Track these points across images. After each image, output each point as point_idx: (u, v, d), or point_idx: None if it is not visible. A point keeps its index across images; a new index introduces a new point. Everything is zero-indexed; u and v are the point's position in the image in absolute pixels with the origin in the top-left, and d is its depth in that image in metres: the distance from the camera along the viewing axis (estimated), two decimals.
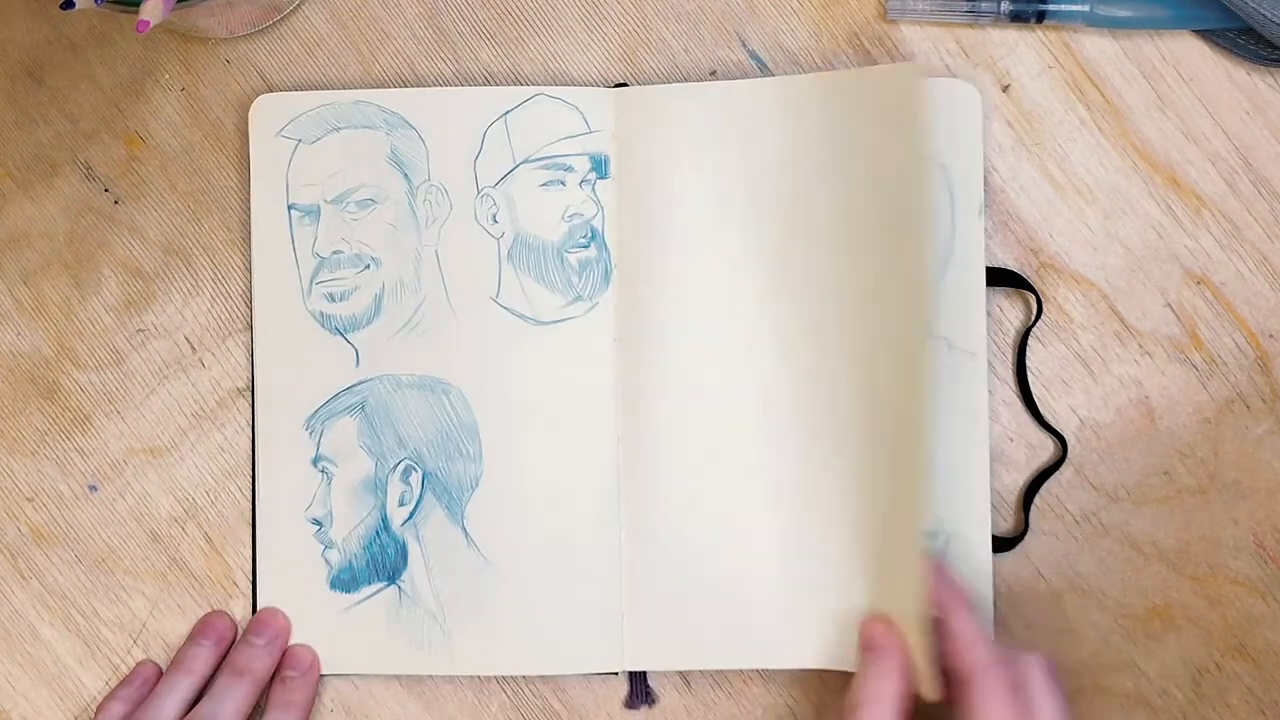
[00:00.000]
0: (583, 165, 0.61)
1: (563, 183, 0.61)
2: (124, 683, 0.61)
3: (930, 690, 0.55)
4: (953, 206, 0.59)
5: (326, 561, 0.61)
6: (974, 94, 0.60)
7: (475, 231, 0.61)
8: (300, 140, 0.61)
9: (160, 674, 0.61)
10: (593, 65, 0.62)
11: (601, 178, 0.61)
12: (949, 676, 0.55)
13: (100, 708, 0.60)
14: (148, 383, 0.63)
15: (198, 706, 0.59)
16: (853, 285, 0.59)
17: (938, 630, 0.55)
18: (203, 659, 0.61)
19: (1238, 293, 0.61)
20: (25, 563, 0.63)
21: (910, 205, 0.57)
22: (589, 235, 0.61)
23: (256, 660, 0.60)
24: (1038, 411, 0.61)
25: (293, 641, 0.61)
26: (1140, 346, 0.61)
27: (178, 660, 0.61)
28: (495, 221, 0.61)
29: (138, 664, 0.62)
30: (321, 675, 0.61)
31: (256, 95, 0.62)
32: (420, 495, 0.61)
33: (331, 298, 0.61)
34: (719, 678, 0.62)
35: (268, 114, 0.61)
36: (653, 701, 0.62)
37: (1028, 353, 0.61)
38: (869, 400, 0.58)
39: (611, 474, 0.61)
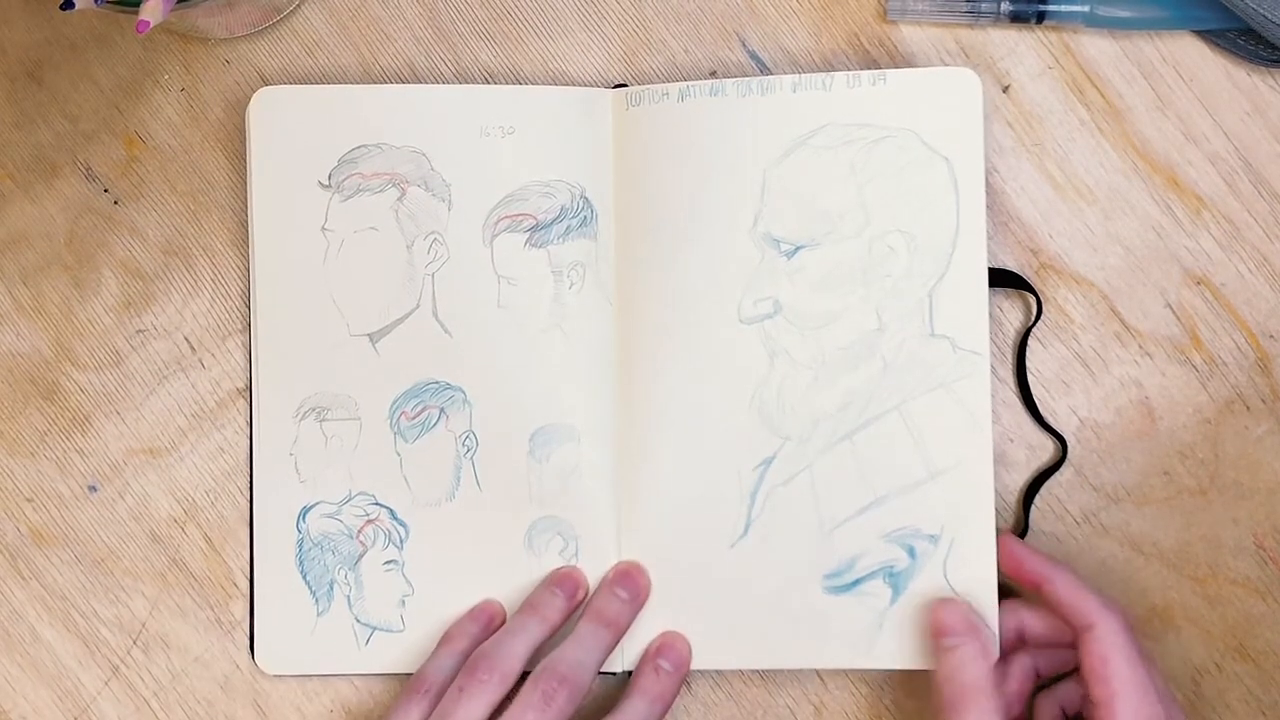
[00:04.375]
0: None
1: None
2: (469, 617, 0.60)
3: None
4: (957, 199, 0.59)
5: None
6: (974, 81, 0.59)
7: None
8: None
9: (505, 615, 0.60)
10: (593, 65, 0.63)
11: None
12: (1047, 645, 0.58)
13: (443, 639, 0.59)
14: (148, 383, 0.63)
15: (560, 649, 0.57)
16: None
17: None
18: (556, 608, 0.59)
19: (1238, 293, 0.61)
20: (25, 563, 0.63)
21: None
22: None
23: (622, 615, 0.58)
24: (1038, 412, 0.61)
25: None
26: (1140, 347, 0.61)
27: (530, 604, 0.59)
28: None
29: (484, 602, 0.61)
30: (335, 675, 0.62)
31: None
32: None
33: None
34: (719, 678, 0.62)
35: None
36: None
37: (1028, 353, 0.61)
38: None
39: (611, 475, 0.61)
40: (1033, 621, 0.58)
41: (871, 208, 0.59)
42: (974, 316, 0.59)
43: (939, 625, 0.57)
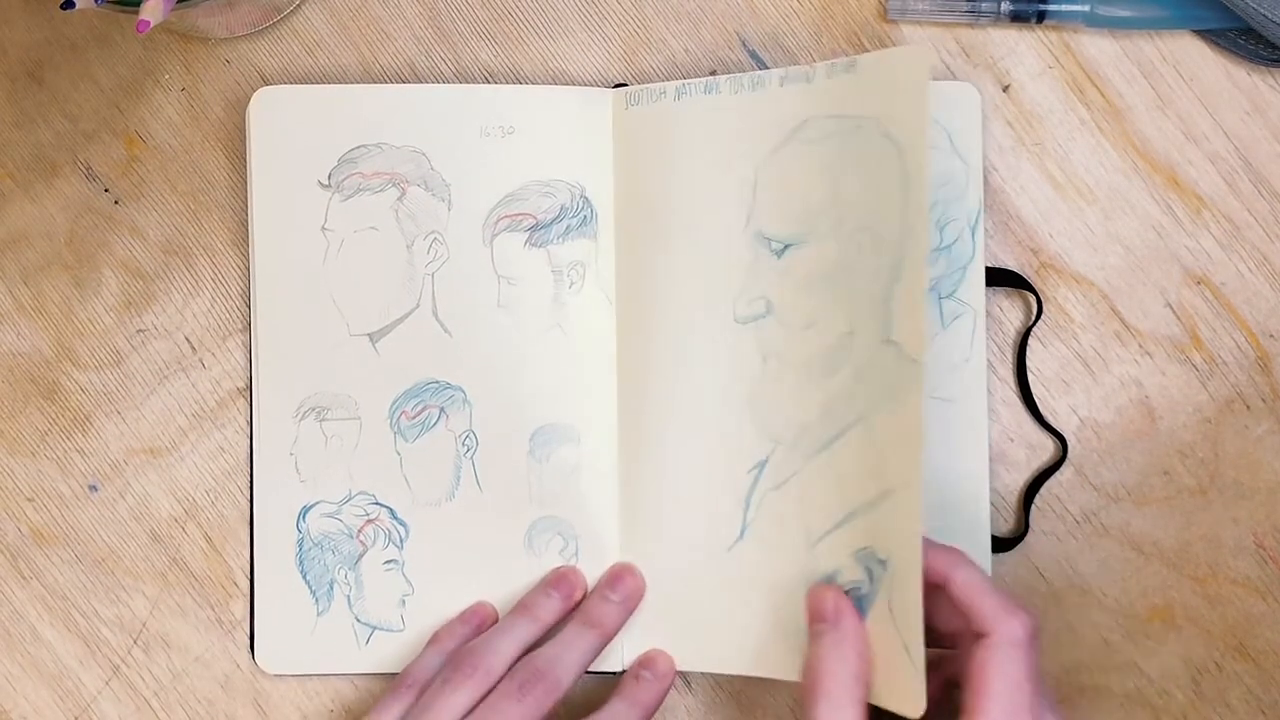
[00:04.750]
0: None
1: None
2: (460, 619, 0.60)
3: (915, 707, 0.51)
4: (903, 189, 0.54)
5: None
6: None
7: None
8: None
9: (497, 617, 0.60)
10: (593, 65, 0.63)
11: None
12: (948, 639, 0.53)
13: (432, 639, 0.59)
14: (148, 383, 0.63)
15: (543, 648, 0.57)
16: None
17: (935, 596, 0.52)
18: (549, 609, 0.59)
19: (1238, 293, 0.61)
20: (25, 563, 0.63)
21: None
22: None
23: (609, 616, 0.58)
24: (1038, 412, 0.61)
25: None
26: (1140, 346, 0.61)
27: (523, 604, 0.59)
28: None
29: (476, 604, 0.61)
30: (335, 675, 0.62)
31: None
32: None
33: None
34: (719, 678, 0.62)
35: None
36: None
37: (1028, 353, 0.61)
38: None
39: (612, 475, 0.61)
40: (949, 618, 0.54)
41: (844, 204, 0.56)
42: (917, 321, 0.53)
43: (811, 610, 0.55)
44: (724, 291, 0.59)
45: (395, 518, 0.61)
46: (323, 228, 0.61)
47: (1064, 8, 0.60)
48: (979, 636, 0.51)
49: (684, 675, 0.62)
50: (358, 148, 0.61)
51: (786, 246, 0.58)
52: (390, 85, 0.62)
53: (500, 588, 0.61)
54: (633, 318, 0.61)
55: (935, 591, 0.53)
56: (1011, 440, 0.61)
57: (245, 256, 0.62)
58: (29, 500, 0.63)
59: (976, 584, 0.52)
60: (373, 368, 0.61)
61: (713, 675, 0.62)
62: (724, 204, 0.59)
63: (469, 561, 0.61)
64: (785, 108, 0.58)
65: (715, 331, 0.59)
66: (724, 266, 0.59)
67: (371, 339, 0.61)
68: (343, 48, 0.63)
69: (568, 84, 0.62)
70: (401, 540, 0.61)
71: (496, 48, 0.63)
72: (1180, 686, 0.61)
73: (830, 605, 0.54)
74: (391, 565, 0.61)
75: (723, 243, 0.59)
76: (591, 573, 0.61)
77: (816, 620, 0.55)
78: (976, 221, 0.59)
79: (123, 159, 0.63)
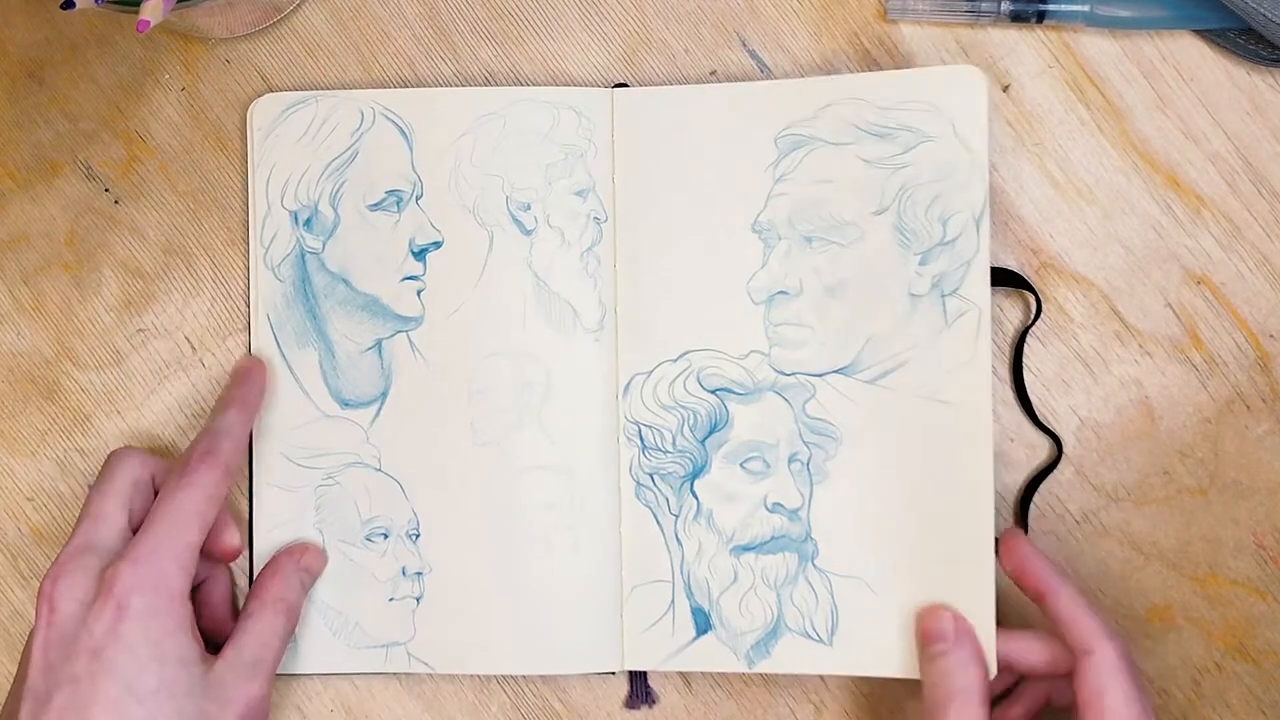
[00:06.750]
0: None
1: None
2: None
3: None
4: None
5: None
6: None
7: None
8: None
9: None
10: (593, 65, 0.63)
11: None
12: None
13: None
14: (148, 383, 0.63)
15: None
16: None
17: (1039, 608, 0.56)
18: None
19: (1238, 293, 0.61)
20: (25, 563, 0.63)
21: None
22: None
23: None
24: (1033, 412, 0.61)
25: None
26: (1140, 346, 0.61)
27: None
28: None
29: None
30: (321, 675, 0.62)
31: (257, 95, 0.62)
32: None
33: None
34: (719, 678, 0.62)
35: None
36: (653, 701, 0.62)
37: (1029, 353, 0.61)
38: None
39: (614, 475, 0.61)
40: (1025, 651, 0.57)
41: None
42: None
43: (927, 632, 0.57)
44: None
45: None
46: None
47: (1064, 8, 0.60)
48: (1080, 656, 0.54)
49: (684, 675, 0.62)
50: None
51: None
52: (390, 89, 0.62)
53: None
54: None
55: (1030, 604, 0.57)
56: (1012, 440, 0.61)
57: (245, 256, 0.62)
58: (29, 500, 0.63)
59: (1081, 602, 0.55)
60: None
61: (713, 675, 0.62)
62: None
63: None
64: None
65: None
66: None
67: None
68: (343, 47, 0.63)
69: (568, 84, 0.62)
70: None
71: (496, 48, 0.63)
72: (1180, 686, 0.61)
73: (950, 627, 0.56)
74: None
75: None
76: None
77: (935, 640, 0.56)
78: (982, 214, 0.58)
79: (123, 159, 0.63)
